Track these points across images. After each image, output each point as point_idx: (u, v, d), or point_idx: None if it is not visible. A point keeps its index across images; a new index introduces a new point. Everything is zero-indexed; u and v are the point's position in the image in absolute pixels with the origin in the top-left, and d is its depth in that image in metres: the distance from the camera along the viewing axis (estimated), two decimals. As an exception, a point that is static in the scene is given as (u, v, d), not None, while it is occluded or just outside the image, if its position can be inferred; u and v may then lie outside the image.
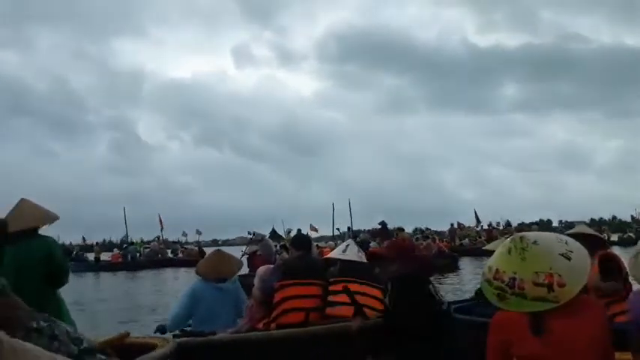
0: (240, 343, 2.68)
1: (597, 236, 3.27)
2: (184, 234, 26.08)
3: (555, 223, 19.64)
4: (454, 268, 13.14)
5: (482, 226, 20.67)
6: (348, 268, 3.09)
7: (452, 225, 20.19)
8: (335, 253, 3.31)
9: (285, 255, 7.16)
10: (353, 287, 2.99)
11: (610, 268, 2.89)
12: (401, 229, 16.34)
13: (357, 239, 14.61)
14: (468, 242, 19.07)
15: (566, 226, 19.45)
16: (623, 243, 19.74)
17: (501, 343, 1.53)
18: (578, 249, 1.53)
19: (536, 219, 18.46)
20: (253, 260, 8.74)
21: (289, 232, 15.25)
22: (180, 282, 13.72)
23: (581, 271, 1.51)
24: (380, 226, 16.47)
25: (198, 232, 25.71)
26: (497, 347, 1.56)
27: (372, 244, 14.98)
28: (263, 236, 9.62)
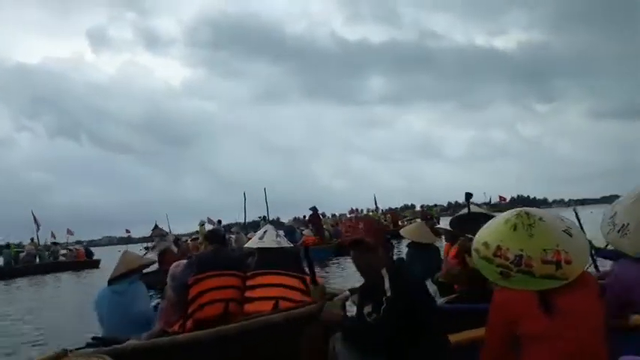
0: (147, 350, 2.50)
1: (490, 216, 3.20)
2: (53, 235, 24.14)
3: (418, 208, 22.28)
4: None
5: (381, 210, 22.19)
6: (267, 257, 3.05)
7: (355, 210, 21.52)
8: (252, 242, 3.27)
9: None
10: (269, 279, 2.97)
11: None
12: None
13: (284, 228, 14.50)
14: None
15: (427, 209, 22.50)
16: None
17: (506, 322, 1.50)
18: (574, 226, 1.62)
19: (401, 205, 20.65)
20: (165, 258, 8.45)
21: (202, 224, 14.85)
22: (74, 287, 12.67)
23: (584, 247, 1.59)
24: (311, 212, 16.76)
25: (70, 233, 24.31)
26: (501, 326, 1.52)
27: (306, 231, 14.89)
28: (166, 232, 9.30)
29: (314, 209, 16.18)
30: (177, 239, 13.12)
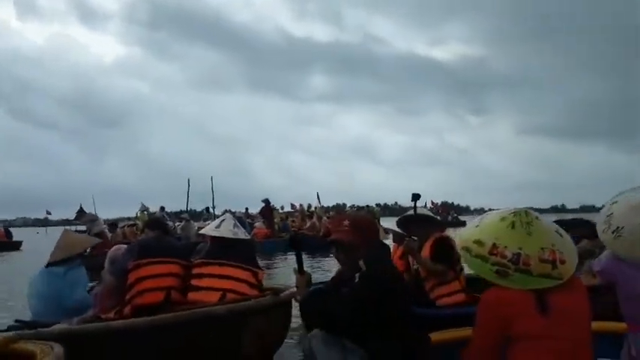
0: (74, 335, 2.34)
1: (435, 219, 3.43)
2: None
3: (348, 207, 23.25)
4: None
5: (325, 207, 22.90)
6: (219, 247, 2.98)
7: (300, 205, 21.85)
8: (208, 229, 3.20)
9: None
10: (219, 270, 2.90)
11: (442, 250, 3.08)
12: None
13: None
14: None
15: (357, 210, 23.36)
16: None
17: (500, 321, 1.48)
18: (561, 227, 1.62)
19: (333, 204, 21.37)
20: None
21: (144, 210, 14.31)
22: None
23: (573, 248, 1.60)
24: (263, 204, 16.63)
25: None
26: (493, 325, 1.49)
27: (258, 224, 14.71)
28: (97, 217, 8.95)
29: (266, 202, 16.05)
30: (113, 224, 12.55)
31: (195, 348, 2.52)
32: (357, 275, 1.77)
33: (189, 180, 14.17)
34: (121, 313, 2.79)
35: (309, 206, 20.94)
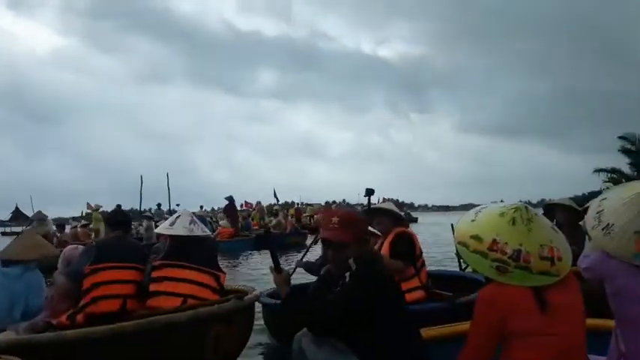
0: (24, 347, 2.20)
1: (397, 213, 3.36)
2: None
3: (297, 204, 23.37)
4: (304, 245, 14.46)
5: (279, 204, 21.66)
6: (178, 247, 2.84)
7: (258, 203, 21.70)
8: (162, 228, 3.04)
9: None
10: (179, 273, 2.78)
11: (402, 246, 3.08)
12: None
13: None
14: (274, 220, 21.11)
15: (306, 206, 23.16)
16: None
17: (498, 317, 1.47)
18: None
19: (281, 202, 21.32)
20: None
21: (97, 208, 13.55)
22: None
23: (567, 245, 1.61)
24: (227, 202, 16.31)
25: None
26: (491, 322, 1.48)
27: (222, 222, 14.36)
28: (44, 214, 8.48)
29: (230, 199, 15.73)
30: (60, 225, 11.95)
31: (158, 356, 2.44)
32: (347, 275, 1.74)
33: (141, 177, 13.52)
34: (73, 320, 2.65)
35: (271, 205, 20.74)
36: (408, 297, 2.96)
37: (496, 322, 1.48)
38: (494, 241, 1.50)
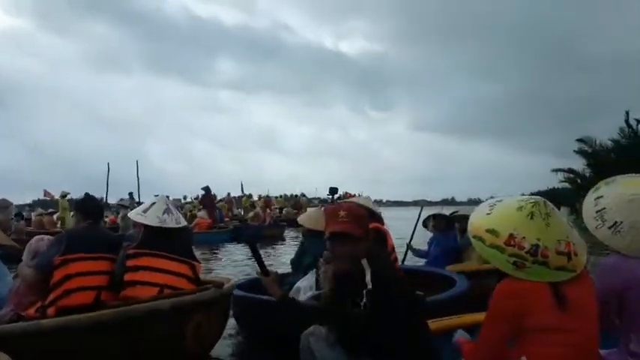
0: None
1: (371, 209, 3.29)
2: None
3: (255, 197, 23.59)
4: (282, 237, 14.45)
5: (244, 195, 21.69)
6: (153, 235, 2.79)
7: (228, 194, 21.26)
8: (134, 213, 2.94)
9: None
10: (155, 263, 2.74)
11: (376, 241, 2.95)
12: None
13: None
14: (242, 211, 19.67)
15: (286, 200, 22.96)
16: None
17: (514, 313, 1.46)
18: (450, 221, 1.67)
19: (240, 194, 21.01)
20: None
21: (64, 195, 12.96)
22: None
23: (582, 240, 1.59)
24: (203, 192, 16.05)
25: None
26: (507, 317, 1.47)
27: (200, 213, 13.95)
28: (8, 201, 8.11)
29: (207, 189, 15.39)
30: (18, 214, 11.32)
31: (138, 345, 2.41)
32: (368, 280, 1.64)
33: (108, 165, 12.73)
34: (43, 313, 2.57)
35: (239, 197, 20.41)
36: None
37: (512, 318, 1.46)
38: (512, 235, 1.48)
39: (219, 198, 19.60)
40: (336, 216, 1.72)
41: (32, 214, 13.50)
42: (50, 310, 2.59)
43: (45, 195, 14.87)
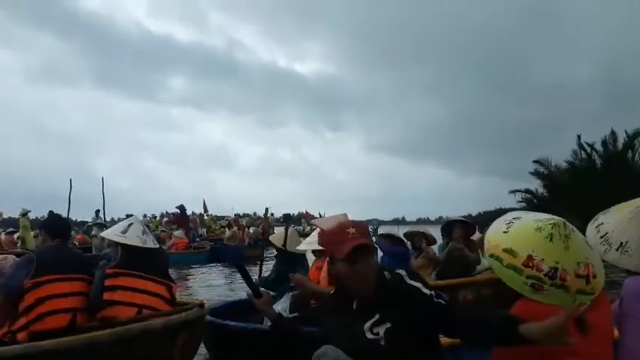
0: None
1: None
2: None
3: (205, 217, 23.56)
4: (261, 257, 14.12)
5: (210, 215, 21.70)
6: (131, 255, 2.79)
7: (193, 213, 21.13)
8: (111, 234, 2.90)
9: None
10: (134, 283, 2.74)
11: None
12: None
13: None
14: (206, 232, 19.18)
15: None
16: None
17: None
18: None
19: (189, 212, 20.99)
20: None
21: (25, 213, 12.30)
22: None
23: (600, 260, 1.56)
24: (178, 211, 15.74)
25: None
26: None
27: (177, 232, 13.56)
28: None
29: (181, 208, 15.24)
30: None
31: None
32: (385, 317, 1.51)
33: (71, 180, 11.89)
34: (13, 338, 2.42)
35: (193, 214, 19.94)
36: None
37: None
38: (530, 257, 1.44)
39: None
40: (345, 233, 1.61)
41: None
42: (20, 335, 2.44)
43: (22, 212, 13.99)
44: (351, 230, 1.61)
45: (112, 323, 2.52)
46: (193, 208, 19.07)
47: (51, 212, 11.34)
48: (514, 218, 1.64)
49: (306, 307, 3.13)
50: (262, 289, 1.99)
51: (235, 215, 22.02)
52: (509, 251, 1.48)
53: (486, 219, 8.80)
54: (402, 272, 1.60)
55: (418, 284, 1.53)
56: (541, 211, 1.84)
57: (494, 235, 1.58)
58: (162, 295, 2.84)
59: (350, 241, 1.56)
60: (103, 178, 13.67)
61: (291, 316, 3.02)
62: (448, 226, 4.53)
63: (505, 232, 1.57)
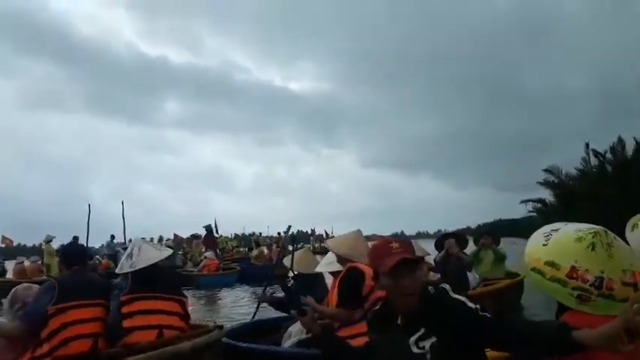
0: None
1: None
2: None
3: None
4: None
5: (221, 235, 21.53)
6: (142, 277, 2.83)
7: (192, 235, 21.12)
8: (123, 269, 2.94)
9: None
10: (148, 305, 2.79)
11: (349, 283, 2.85)
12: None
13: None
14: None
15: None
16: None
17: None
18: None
19: (190, 233, 19.81)
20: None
21: (49, 240, 12.25)
22: None
23: None
24: (206, 232, 15.80)
25: None
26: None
27: (208, 254, 13.57)
28: None
29: (209, 229, 15.08)
30: None
31: None
32: (430, 329, 1.51)
33: (89, 206, 11.99)
34: None
35: (238, 237, 19.84)
36: (354, 343, 2.25)
37: (581, 355, 1.32)
38: (573, 268, 1.42)
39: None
40: (389, 248, 1.64)
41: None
42: None
43: (2, 242, 14.04)
44: (395, 245, 1.64)
45: (135, 349, 2.54)
46: (198, 229, 19.03)
47: (74, 238, 11.52)
48: (552, 230, 1.59)
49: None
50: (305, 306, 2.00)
51: (235, 235, 21.74)
52: (551, 264, 1.46)
53: (483, 231, 8.75)
54: (446, 286, 1.59)
55: (463, 298, 1.53)
56: (554, 221, 1.77)
57: (534, 249, 1.55)
58: (176, 312, 2.89)
59: (394, 256, 1.59)
60: (123, 202, 13.71)
61: (306, 337, 3.05)
62: (441, 241, 5.42)
63: (545, 244, 1.54)
